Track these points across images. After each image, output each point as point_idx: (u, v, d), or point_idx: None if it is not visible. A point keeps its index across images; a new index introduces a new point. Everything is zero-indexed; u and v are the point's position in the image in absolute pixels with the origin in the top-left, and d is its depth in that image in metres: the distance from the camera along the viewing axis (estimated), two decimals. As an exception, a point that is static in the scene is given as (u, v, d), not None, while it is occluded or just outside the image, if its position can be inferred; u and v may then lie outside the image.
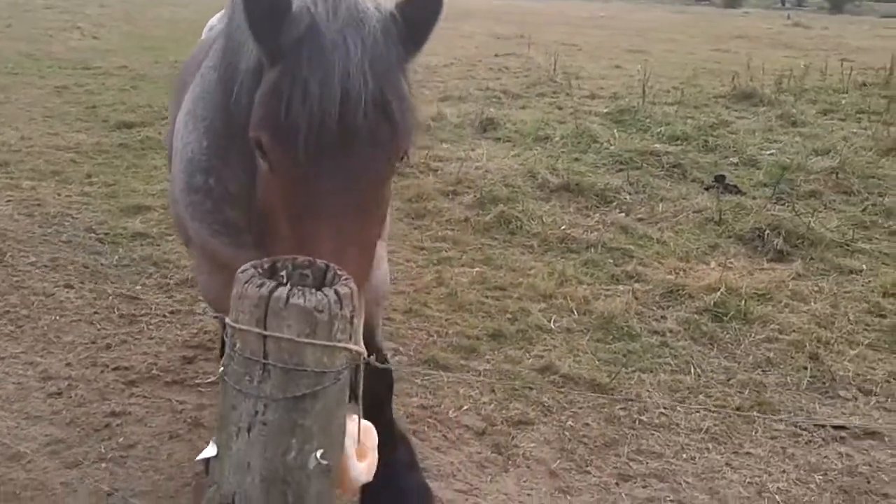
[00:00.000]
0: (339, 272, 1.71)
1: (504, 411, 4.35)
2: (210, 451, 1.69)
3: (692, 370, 4.76)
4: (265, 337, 1.59)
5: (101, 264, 6.04)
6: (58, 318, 5.18)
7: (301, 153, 1.94)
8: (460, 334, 5.15)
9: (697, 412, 4.36)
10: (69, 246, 6.35)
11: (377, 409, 3.43)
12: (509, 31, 20.92)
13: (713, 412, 4.34)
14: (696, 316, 5.36)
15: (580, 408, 4.40)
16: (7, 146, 8.86)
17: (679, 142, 9.10)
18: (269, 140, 1.99)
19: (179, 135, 2.77)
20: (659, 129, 9.47)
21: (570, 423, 4.26)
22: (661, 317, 5.41)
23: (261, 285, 1.61)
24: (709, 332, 5.18)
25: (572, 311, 5.46)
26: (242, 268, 1.68)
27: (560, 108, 11.15)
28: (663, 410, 4.37)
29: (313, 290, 1.61)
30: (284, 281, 1.71)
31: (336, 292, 1.61)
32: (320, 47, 1.96)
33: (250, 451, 1.62)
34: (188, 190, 2.67)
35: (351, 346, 1.65)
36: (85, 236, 6.55)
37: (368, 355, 3.16)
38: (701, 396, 4.50)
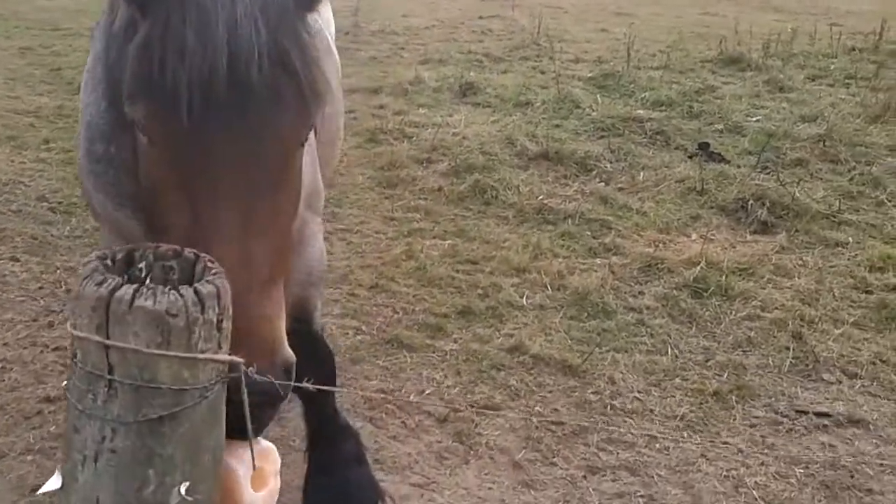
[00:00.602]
0: (209, 264, 1.41)
1: (469, 395, 4.08)
2: (54, 482, 1.39)
3: (669, 350, 4.48)
4: (107, 347, 1.29)
5: (52, 235, 5.72)
6: (-2, 293, 4.87)
7: (183, 119, 1.58)
8: (427, 312, 4.86)
9: (673, 397, 4.09)
10: (18, 216, 6.00)
11: (318, 399, 3.15)
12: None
13: (689, 398, 4.07)
14: (674, 292, 5.07)
15: (550, 391, 4.13)
16: (-37, 109, 8.47)
17: (663, 108, 8.73)
18: (143, 108, 1.64)
19: (82, 96, 2.44)
20: (643, 95, 9.09)
21: (538, 408, 3.99)
22: (639, 293, 5.13)
23: (101, 283, 1.30)
24: (688, 310, 4.90)
25: (546, 287, 5.16)
26: (87, 258, 1.37)
27: (543, 73, 10.74)
28: (637, 395, 4.10)
29: (166, 289, 1.30)
30: (143, 275, 1.40)
31: (196, 291, 1.31)
32: None
33: (98, 485, 1.33)
34: (89, 158, 2.35)
35: (219, 356, 1.34)
36: (36, 205, 6.20)
37: (306, 341, 2.91)
38: (677, 380, 4.23)
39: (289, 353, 1.62)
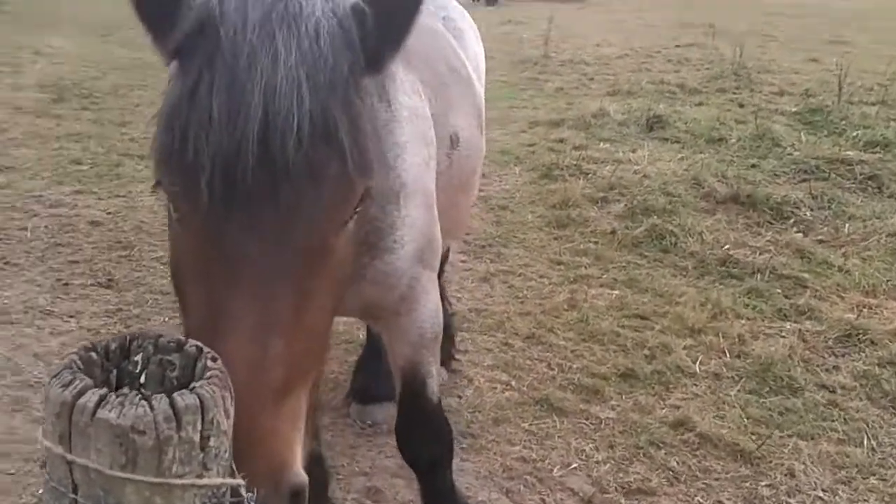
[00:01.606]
0: (210, 363, 1.12)
1: (621, 475, 3.60)
2: None
3: (865, 441, 3.78)
4: (69, 462, 1.02)
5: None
6: (167, 319, 4.93)
7: (205, 197, 1.35)
8: (585, 371, 4.42)
9: (866, 500, 3.41)
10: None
11: (432, 474, 2.83)
12: (697, 19, 19.40)
13: (887, 502, 3.38)
14: (877, 369, 4.33)
15: (716, 479, 3.58)
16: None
17: (878, 149, 7.76)
18: (168, 179, 1.41)
19: None
20: (855, 134, 8.15)
21: (699, 498, 3.45)
22: (833, 367, 4.42)
23: (67, 384, 1.04)
24: (892, 392, 4.14)
25: (723, 353, 4.58)
26: (82, 345, 1.13)
27: (741, 106, 9.98)
28: (821, 494, 3.46)
29: (137, 399, 1.02)
30: (138, 371, 1.13)
31: (172, 402, 1.02)
32: (231, 47, 1.37)
33: None
34: None
35: (202, 481, 1.04)
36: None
37: (419, 411, 2.60)
38: (873, 479, 3.55)
39: (299, 476, 1.30)
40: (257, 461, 1.23)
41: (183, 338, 1.17)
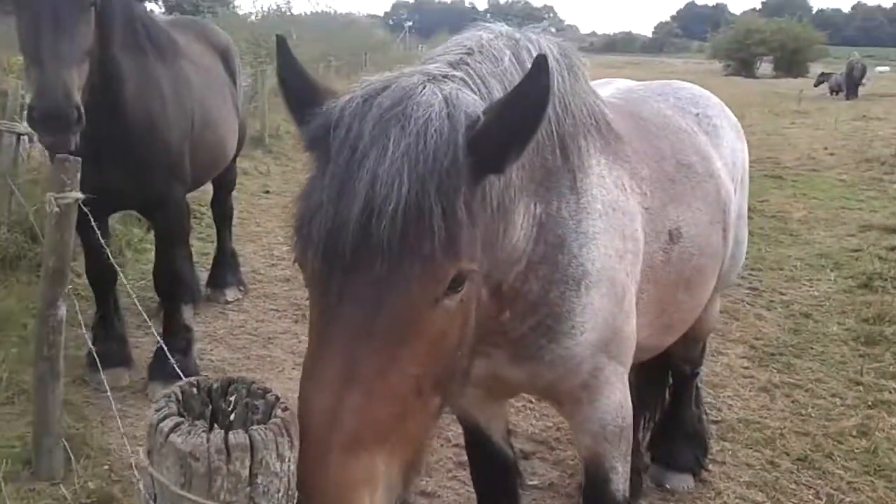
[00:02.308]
0: (279, 411, 1.29)
1: None
2: None
3: None
4: (150, 474, 1.25)
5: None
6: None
7: (314, 267, 1.57)
8: (860, 509, 3.93)
9: None
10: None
11: None
12: None
13: None
14: None
15: None
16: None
17: None
18: (295, 251, 1.64)
19: None
20: None
21: None
22: None
23: (159, 409, 1.27)
24: None
25: None
26: (187, 381, 1.36)
27: None
28: None
29: (203, 429, 1.21)
30: (230, 409, 1.34)
31: (225, 437, 1.19)
32: (346, 144, 1.58)
33: None
34: None
35: (249, 513, 1.20)
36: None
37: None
38: None
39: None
40: None
41: (269, 387, 1.36)
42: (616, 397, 2.52)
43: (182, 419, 1.24)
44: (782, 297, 6.85)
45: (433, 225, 1.50)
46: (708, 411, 4.71)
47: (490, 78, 1.91)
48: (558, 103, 2.13)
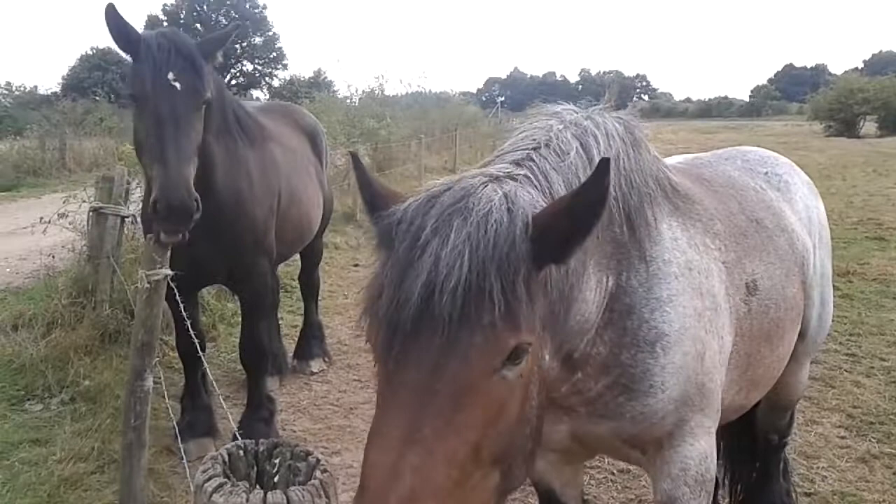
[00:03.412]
0: (319, 473, 1.35)
1: None
2: None
3: None
4: (198, 529, 1.32)
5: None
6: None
7: (376, 340, 1.68)
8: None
9: None
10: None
11: None
12: None
13: None
14: None
15: None
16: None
17: None
18: (365, 331, 1.76)
19: None
20: None
21: None
22: None
23: (205, 469, 1.34)
24: None
25: None
26: (234, 444, 1.44)
27: None
28: None
29: (244, 490, 1.28)
30: (274, 471, 1.41)
31: (264, 498, 1.26)
32: (409, 234, 1.71)
33: None
34: None
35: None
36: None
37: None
38: None
39: None
40: None
41: (311, 450, 1.42)
42: (700, 446, 2.52)
43: (226, 480, 1.31)
44: (883, 364, 6.53)
45: (493, 297, 1.59)
46: (800, 483, 4.52)
47: (552, 173, 2.03)
48: (623, 182, 2.25)
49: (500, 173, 1.91)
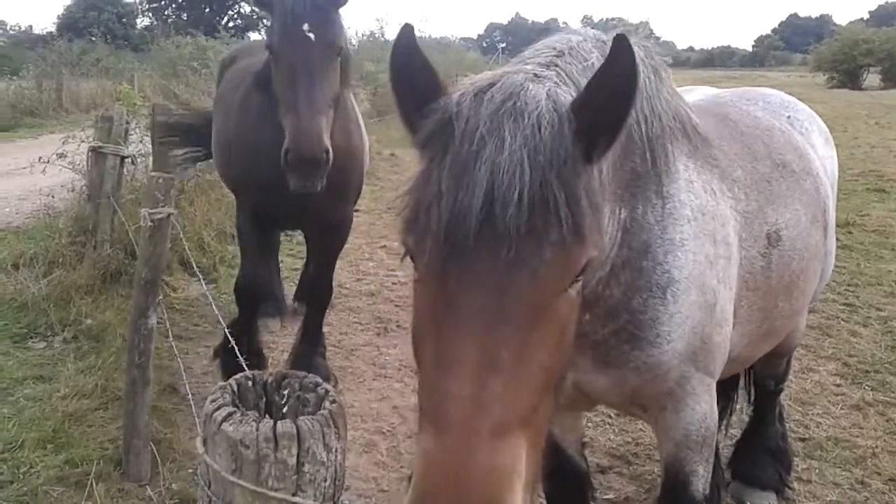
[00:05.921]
0: (328, 404, 1.36)
1: None
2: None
3: None
4: (206, 461, 1.34)
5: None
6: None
7: (434, 256, 1.54)
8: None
9: None
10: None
11: None
12: None
13: None
14: None
15: None
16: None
17: None
18: (408, 243, 1.63)
19: None
20: None
21: None
22: None
23: (214, 399, 1.35)
24: None
25: None
26: (243, 374, 1.45)
27: None
28: None
29: (254, 419, 1.29)
30: (283, 402, 1.42)
31: (273, 427, 1.27)
32: (463, 137, 1.58)
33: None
34: None
35: (295, 498, 1.27)
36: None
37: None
38: None
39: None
40: (473, 495, 1.35)
41: (321, 380, 1.43)
42: (701, 408, 2.50)
43: (235, 409, 1.33)
44: (880, 314, 6.58)
45: (560, 212, 1.50)
46: (795, 429, 4.58)
47: (579, 76, 1.92)
48: (645, 104, 2.13)
49: (536, 73, 1.82)
